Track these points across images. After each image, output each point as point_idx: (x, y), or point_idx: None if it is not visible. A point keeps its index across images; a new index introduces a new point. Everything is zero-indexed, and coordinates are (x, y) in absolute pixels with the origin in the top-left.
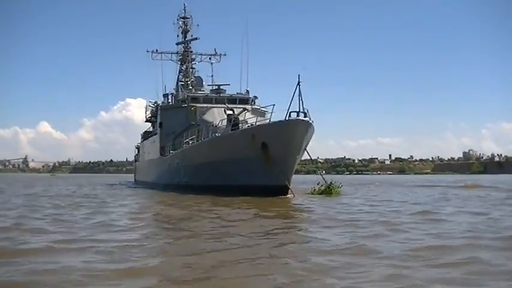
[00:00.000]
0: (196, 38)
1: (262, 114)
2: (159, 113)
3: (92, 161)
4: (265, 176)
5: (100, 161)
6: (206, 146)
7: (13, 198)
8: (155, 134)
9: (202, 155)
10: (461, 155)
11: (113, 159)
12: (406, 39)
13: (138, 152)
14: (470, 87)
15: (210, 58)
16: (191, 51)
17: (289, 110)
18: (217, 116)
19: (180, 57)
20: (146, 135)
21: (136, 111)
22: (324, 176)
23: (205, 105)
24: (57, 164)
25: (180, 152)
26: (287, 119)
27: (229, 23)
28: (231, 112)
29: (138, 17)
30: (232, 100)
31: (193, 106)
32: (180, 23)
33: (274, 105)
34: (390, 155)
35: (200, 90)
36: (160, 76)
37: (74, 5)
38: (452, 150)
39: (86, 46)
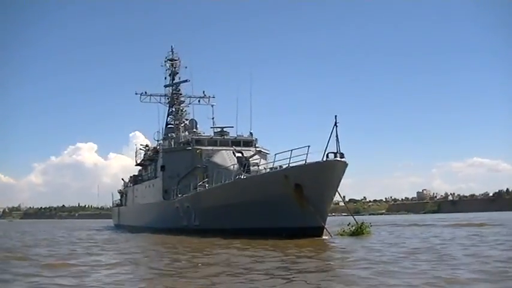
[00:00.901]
0: (186, 80)
1: (264, 156)
2: (160, 156)
3: (43, 207)
4: (299, 217)
5: (52, 206)
6: (228, 188)
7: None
8: (152, 177)
9: (222, 197)
10: (413, 195)
11: (65, 204)
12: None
13: (122, 196)
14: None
15: (199, 101)
16: (180, 94)
17: (326, 151)
18: (227, 158)
19: (168, 99)
20: (136, 179)
21: (87, 155)
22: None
23: (210, 147)
24: (7, 210)
25: (192, 195)
26: (325, 159)
27: (228, 66)
28: (240, 154)
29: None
30: (237, 142)
31: (198, 149)
32: (168, 65)
33: (309, 146)
34: (344, 196)
35: (194, 133)
36: (143, 119)
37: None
38: (404, 190)
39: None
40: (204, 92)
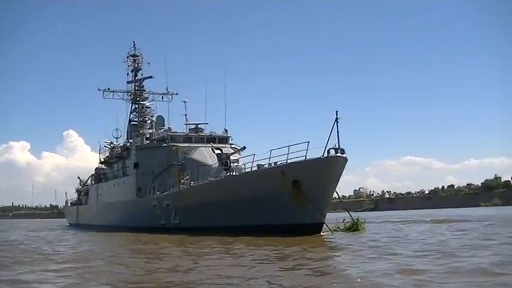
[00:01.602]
0: (150, 77)
1: (238, 153)
2: (133, 153)
3: None
4: (295, 214)
5: None
6: (217, 185)
7: None
8: (120, 175)
9: (209, 194)
10: (350, 193)
11: None
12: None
13: (80, 195)
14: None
15: (162, 97)
16: (144, 90)
17: (327, 147)
18: (206, 155)
19: (131, 96)
20: (99, 177)
21: (20, 154)
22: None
23: (186, 144)
24: None
25: (174, 193)
26: (326, 155)
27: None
28: (219, 151)
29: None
30: (212, 139)
31: (174, 145)
32: (130, 61)
33: (308, 142)
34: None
35: (169, 129)
36: (79, 117)
37: None
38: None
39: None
40: (167, 88)
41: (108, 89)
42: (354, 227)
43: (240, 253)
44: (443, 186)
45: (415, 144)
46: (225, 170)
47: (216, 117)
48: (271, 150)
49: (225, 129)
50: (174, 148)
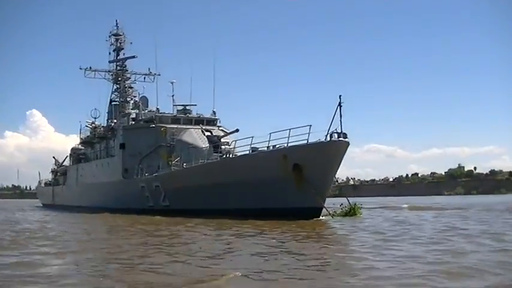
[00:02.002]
0: (133, 56)
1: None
2: (120, 133)
3: None
4: (295, 197)
5: None
6: (214, 167)
7: None
8: (104, 156)
9: (204, 177)
10: None
11: None
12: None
13: (57, 175)
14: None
15: (144, 78)
16: (126, 70)
17: (329, 131)
18: (197, 137)
19: (113, 76)
20: (79, 158)
21: None
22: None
23: (174, 126)
24: None
25: (165, 174)
26: (328, 139)
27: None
28: (209, 134)
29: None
30: (200, 121)
31: (163, 127)
32: (113, 40)
33: (310, 125)
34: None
35: (157, 110)
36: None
37: None
38: None
39: None
40: (149, 68)
41: (90, 68)
42: (351, 212)
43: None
44: (407, 174)
45: (379, 132)
46: (215, 152)
47: (204, 98)
48: (270, 133)
49: (213, 111)
50: (162, 129)
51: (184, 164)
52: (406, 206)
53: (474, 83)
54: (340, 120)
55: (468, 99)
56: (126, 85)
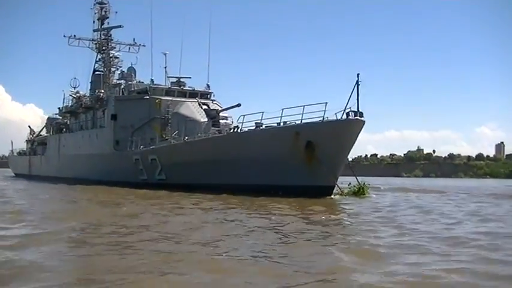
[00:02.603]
0: (119, 26)
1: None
2: (112, 104)
3: None
4: (308, 175)
5: None
6: (219, 142)
7: None
8: (90, 127)
9: (208, 151)
10: None
11: None
12: None
13: (33, 145)
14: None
15: (129, 48)
16: (111, 40)
17: (345, 110)
18: (194, 110)
19: (96, 45)
20: (60, 127)
21: None
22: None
23: (169, 98)
24: None
25: (163, 147)
26: (345, 118)
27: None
28: (206, 107)
29: None
30: (195, 94)
31: (157, 98)
32: (97, 8)
33: (327, 103)
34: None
35: (131, 82)
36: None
37: None
38: None
39: None
40: (134, 39)
41: (74, 36)
42: (360, 191)
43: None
44: (366, 155)
45: None
46: (214, 126)
47: (196, 73)
48: (282, 109)
49: (207, 85)
50: (157, 101)
51: (186, 138)
52: (382, 188)
53: (437, 68)
54: (358, 99)
55: (428, 81)
56: (111, 55)
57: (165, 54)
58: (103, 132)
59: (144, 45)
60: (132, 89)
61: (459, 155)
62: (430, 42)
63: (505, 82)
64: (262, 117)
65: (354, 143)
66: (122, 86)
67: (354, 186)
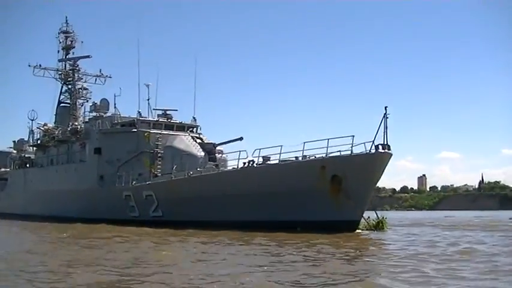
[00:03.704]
0: (87, 56)
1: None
2: (95, 137)
3: None
4: (333, 210)
5: None
6: (230, 176)
7: None
8: (64, 161)
9: (216, 186)
10: None
11: None
12: None
13: None
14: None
15: (95, 80)
16: (79, 70)
17: (373, 142)
18: (190, 144)
19: (61, 75)
20: (24, 162)
21: None
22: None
23: (158, 131)
24: None
25: (162, 183)
26: (374, 151)
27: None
28: (199, 141)
29: None
30: (181, 127)
31: (146, 132)
32: (62, 37)
33: (353, 136)
34: None
35: (104, 114)
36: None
37: None
38: None
39: None
40: (100, 70)
41: (40, 65)
42: (379, 225)
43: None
44: None
45: None
46: (210, 160)
47: (179, 104)
48: (304, 143)
49: (194, 118)
50: (146, 134)
51: (191, 173)
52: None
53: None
54: (386, 132)
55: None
56: (79, 86)
57: (147, 85)
58: (84, 166)
59: (110, 77)
60: (116, 121)
61: (384, 188)
62: None
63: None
64: (281, 150)
65: (381, 176)
66: (103, 118)
67: (373, 220)
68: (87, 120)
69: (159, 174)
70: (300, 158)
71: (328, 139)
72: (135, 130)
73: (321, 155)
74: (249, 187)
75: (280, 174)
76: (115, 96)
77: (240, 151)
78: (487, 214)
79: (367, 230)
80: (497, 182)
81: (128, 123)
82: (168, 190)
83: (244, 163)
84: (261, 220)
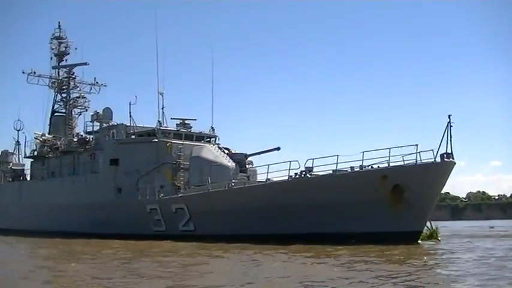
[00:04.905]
0: (85, 63)
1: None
2: (112, 147)
3: None
4: (394, 221)
5: None
6: (279, 188)
7: None
8: (70, 173)
9: (263, 198)
10: None
11: None
12: None
13: None
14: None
15: (90, 88)
16: (74, 78)
17: (438, 151)
18: (218, 154)
19: (55, 83)
20: (15, 175)
21: None
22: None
23: (179, 141)
24: None
25: (196, 195)
26: (440, 160)
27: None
28: (226, 151)
29: None
30: (200, 137)
31: (168, 142)
32: (55, 44)
33: (417, 145)
34: None
35: (107, 124)
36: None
37: None
38: None
39: None
40: (95, 78)
41: (34, 72)
42: (433, 235)
43: None
44: None
45: None
46: (241, 172)
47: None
48: (363, 152)
49: (212, 128)
50: (168, 145)
51: (232, 184)
52: None
53: None
54: (450, 140)
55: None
56: (78, 95)
57: (161, 94)
58: (98, 178)
59: (105, 85)
60: (132, 131)
61: None
62: None
63: None
64: (337, 160)
65: (444, 185)
66: (117, 128)
67: (426, 230)
68: (89, 130)
69: (187, 187)
70: (356, 168)
71: (389, 148)
72: (156, 140)
73: (377, 165)
74: (300, 198)
75: (337, 184)
76: (130, 104)
77: (290, 161)
78: None
79: (421, 240)
80: None
81: (147, 133)
82: (204, 203)
83: (296, 174)
84: (311, 232)
